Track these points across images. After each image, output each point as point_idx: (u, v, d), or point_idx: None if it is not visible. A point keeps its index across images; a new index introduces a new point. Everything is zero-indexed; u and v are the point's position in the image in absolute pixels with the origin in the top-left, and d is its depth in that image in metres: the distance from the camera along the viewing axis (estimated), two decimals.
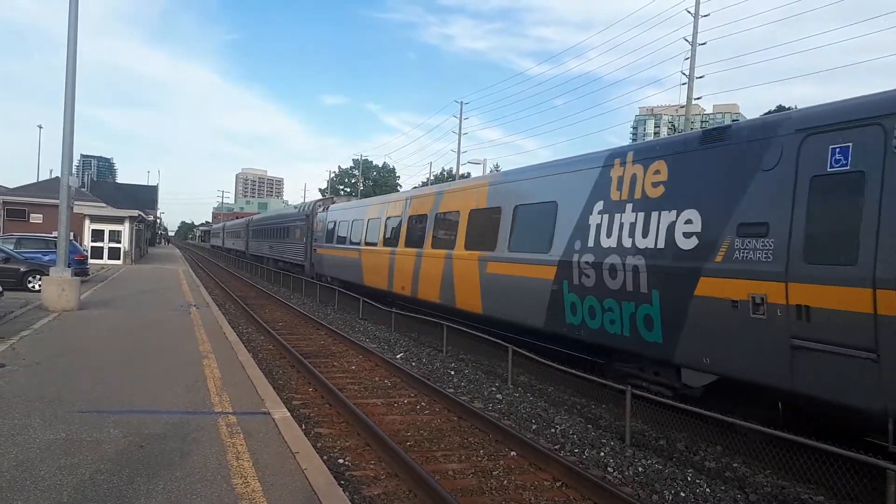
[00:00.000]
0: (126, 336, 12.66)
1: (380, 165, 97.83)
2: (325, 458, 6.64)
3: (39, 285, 19.15)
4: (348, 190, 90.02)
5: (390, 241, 19.26)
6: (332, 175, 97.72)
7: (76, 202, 26.27)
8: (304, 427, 7.77)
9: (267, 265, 40.79)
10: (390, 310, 17.85)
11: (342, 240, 24.85)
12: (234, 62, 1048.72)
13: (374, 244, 20.72)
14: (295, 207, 39.74)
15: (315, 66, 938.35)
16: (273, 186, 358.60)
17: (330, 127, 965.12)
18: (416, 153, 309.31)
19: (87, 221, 37.75)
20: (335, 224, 26.20)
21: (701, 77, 32.16)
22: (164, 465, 5.67)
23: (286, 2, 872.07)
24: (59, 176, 17.12)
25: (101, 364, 9.93)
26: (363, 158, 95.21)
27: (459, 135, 55.56)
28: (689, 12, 31.94)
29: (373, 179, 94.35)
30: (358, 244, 22.53)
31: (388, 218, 19.94)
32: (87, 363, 9.95)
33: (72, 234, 19.40)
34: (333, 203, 29.66)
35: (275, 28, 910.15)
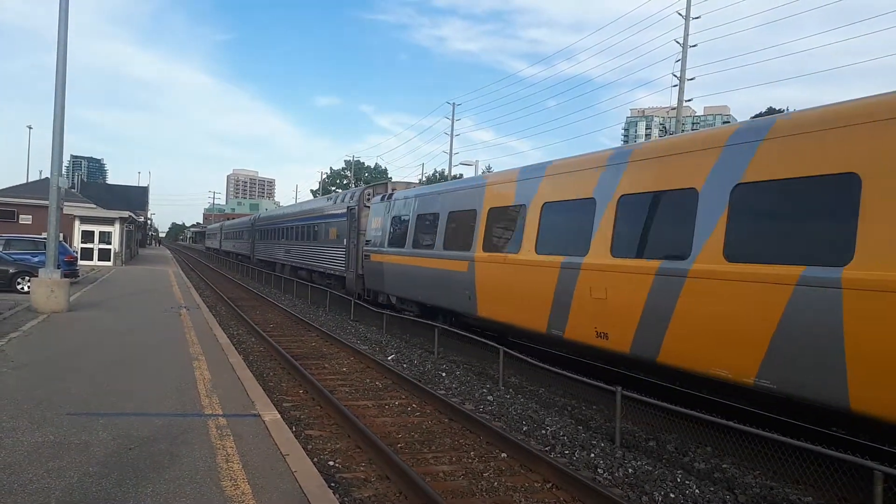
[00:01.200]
0: (116, 338, 12.59)
1: (372, 166, 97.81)
2: (315, 460, 6.63)
3: (28, 287, 19.01)
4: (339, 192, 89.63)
5: (558, 243, 10.88)
6: (324, 176, 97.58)
7: (66, 203, 26.11)
8: (294, 429, 7.75)
9: (282, 274, 32.85)
10: (381, 311, 17.82)
11: (423, 242, 16.29)
12: (226, 63, 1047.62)
13: (510, 251, 12.14)
14: (328, 199, 29.68)
15: (307, 67, 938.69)
16: (265, 187, 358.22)
17: (322, 128, 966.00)
18: (407, 154, 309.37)
19: (76, 222, 37.53)
20: (409, 219, 17.29)
21: (692, 79, 32.32)
22: (153, 467, 5.64)
23: (278, 2, 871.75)
24: (49, 177, 17.01)
25: (91, 366, 9.87)
26: (355, 159, 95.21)
27: (451, 136, 55.64)
28: (680, 14, 32.10)
29: (364, 181, 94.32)
30: (465, 250, 13.81)
31: (548, 204, 11.31)
32: (76, 365, 9.89)
33: (61, 235, 19.30)
34: (394, 190, 20.60)
35: (267, 29, 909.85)
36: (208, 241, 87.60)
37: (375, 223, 20.06)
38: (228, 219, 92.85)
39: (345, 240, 23.62)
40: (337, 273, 24.61)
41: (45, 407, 7.44)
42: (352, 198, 23.74)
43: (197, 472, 5.59)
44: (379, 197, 20.66)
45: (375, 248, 19.54)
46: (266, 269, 37.04)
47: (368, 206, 21.38)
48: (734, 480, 6.99)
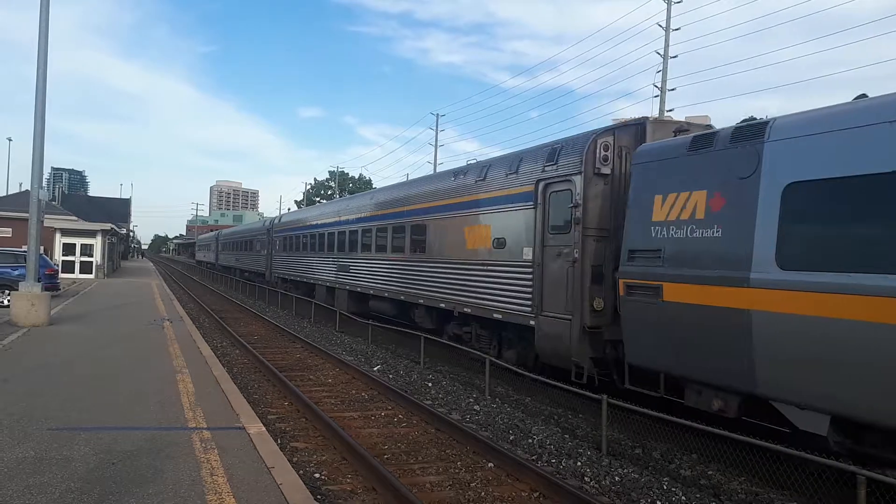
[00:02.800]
0: (97, 351, 12.44)
1: (356, 177, 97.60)
2: (301, 472, 6.58)
3: (8, 300, 18.69)
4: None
5: None
6: (308, 187, 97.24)
7: (46, 216, 25.83)
8: (279, 441, 7.69)
9: (329, 303, 22.71)
10: (367, 322, 17.76)
11: None
12: (210, 74, 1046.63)
13: None
14: (454, 173, 15.30)
15: (292, 78, 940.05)
16: (248, 199, 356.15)
17: (306, 139, 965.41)
18: (391, 165, 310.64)
19: (57, 235, 37.10)
20: None
21: (672, 89, 32.57)
22: (137, 482, 5.57)
23: (262, 15, 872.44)
24: (29, 189, 16.82)
25: (72, 380, 9.74)
26: (339, 170, 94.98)
27: (436, 146, 55.78)
28: (660, 26, 32.48)
29: (349, 191, 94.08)
30: None
31: None
32: (57, 379, 9.75)
33: (42, 248, 19.07)
34: (687, 128, 9.59)
35: (251, 41, 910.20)
36: (200, 254, 76.35)
37: (670, 207, 8.27)
38: (212, 230, 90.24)
39: (525, 249, 11.41)
40: (499, 316, 12.06)
41: (26, 422, 7.32)
42: (551, 159, 10.98)
43: (181, 486, 5.52)
44: (678, 145, 8.53)
45: (693, 273, 7.78)
46: (292, 292, 27.09)
47: (603, 175, 10.01)
48: (720, 487, 7.03)
